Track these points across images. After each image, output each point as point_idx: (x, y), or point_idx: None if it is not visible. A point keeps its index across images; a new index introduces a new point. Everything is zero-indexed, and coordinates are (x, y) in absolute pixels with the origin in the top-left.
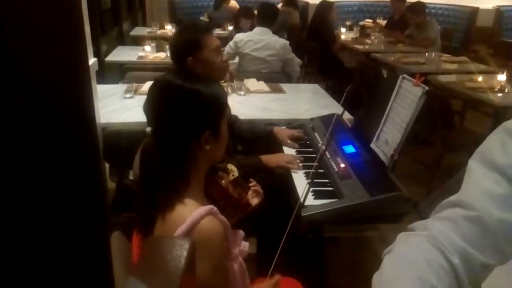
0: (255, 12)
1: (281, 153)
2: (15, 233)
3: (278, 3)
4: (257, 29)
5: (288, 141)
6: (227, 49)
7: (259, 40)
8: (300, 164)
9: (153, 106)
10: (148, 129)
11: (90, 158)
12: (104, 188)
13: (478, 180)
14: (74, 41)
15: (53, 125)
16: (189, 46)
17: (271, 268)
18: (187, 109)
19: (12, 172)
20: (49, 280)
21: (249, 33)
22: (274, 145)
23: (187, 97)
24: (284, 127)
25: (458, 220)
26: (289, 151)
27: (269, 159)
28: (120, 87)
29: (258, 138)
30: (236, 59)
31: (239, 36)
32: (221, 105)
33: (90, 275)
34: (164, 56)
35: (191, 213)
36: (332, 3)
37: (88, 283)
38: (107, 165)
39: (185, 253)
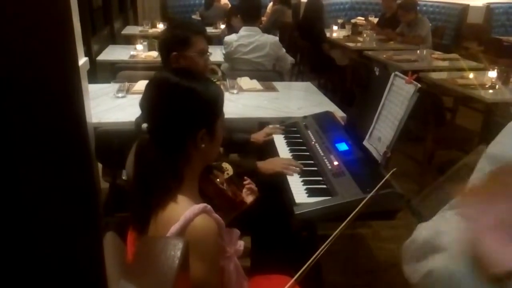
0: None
1: (277, 158)
2: (5, 235)
3: (270, 1)
4: (244, 30)
5: (265, 138)
6: (223, 56)
7: (248, 43)
8: (297, 168)
9: (149, 103)
10: (144, 125)
11: (82, 158)
12: (97, 188)
13: None
14: (63, 40)
15: (43, 125)
16: (177, 42)
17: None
18: (183, 107)
19: (1, 173)
20: (41, 282)
21: (237, 35)
22: (266, 148)
23: (184, 95)
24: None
25: None
26: (284, 151)
27: (265, 165)
28: (112, 87)
29: (236, 146)
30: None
31: (227, 41)
32: (217, 104)
33: (83, 276)
34: (156, 55)
35: (184, 211)
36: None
37: (80, 284)
38: (100, 165)
39: (179, 253)
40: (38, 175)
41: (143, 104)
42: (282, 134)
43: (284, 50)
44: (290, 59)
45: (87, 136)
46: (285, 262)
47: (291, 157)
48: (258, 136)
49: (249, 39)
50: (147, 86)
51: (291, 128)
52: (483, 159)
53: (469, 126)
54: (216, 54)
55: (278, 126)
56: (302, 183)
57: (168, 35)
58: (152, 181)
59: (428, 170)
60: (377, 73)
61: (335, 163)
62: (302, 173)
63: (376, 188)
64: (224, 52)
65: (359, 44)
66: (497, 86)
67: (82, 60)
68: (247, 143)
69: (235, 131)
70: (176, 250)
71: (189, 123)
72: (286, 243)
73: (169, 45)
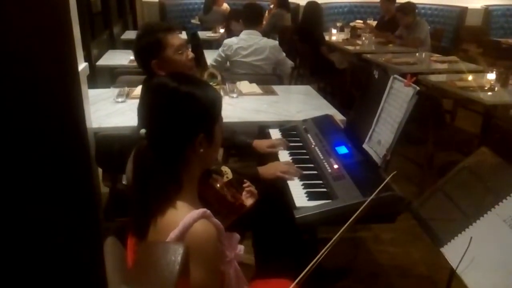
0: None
1: (276, 162)
2: (6, 240)
3: (269, 5)
4: (245, 33)
5: (268, 150)
6: (216, 56)
7: (248, 46)
8: (297, 173)
9: (148, 108)
10: (143, 131)
11: (82, 163)
12: (97, 193)
13: None
14: (62, 46)
15: (43, 131)
16: (151, 48)
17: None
18: (181, 112)
19: (1, 178)
20: (42, 287)
21: (237, 38)
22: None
23: (182, 100)
24: (278, 132)
25: None
26: (283, 155)
27: (266, 170)
28: (112, 92)
29: (238, 148)
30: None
31: (227, 43)
32: (215, 109)
33: (84, 281)
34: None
35: (183, 216)
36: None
37: None
38: (100, 170)
39: (179, 258)
40: (38, 180)
41: (141, 110)
42: (288, 150)
43: (284, 54)
44: (290, 63)
45: (87, 141)
46: (286, 265)
47: (290, 161)
48: (261, 144)
49: (249, 42)
50: (145, 92)
51: (291, 132)
52: None
53: (469, 128)
54: None
55: (285, 140)
56: (302, 186)
57: (140, 45)
58: (151, 187)
59: (428, 173)
60: (376, 76)
61: (335, 166)
62: (302, 177)
63: (376, 191)
64: (222, 54)
65: (358, 47)
66: (496, 88)
67: (82, 66)
68: (248, 148)
69: (237, 132)
70: (176, 255)
71: (188, 128)
72: (287, 246)
73: (144, 55)
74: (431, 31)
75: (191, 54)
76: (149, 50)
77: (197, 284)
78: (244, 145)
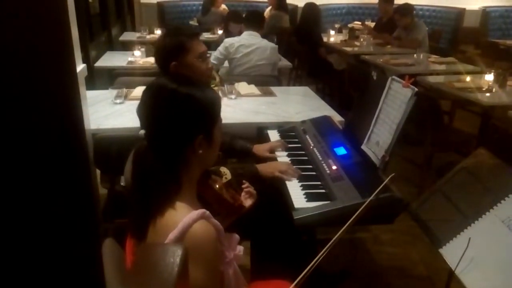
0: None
1: (275, 162)
2: (4, 241)
3: (267, 7)
4: (246, 33)
5: (268, 154)
6: (217, 54)
7: (250, 45)
8: (295, 174)
9: (147, 109)
10: (142, 132)
11: (80, 164)
12: (95, 195)
13: None
14: (61, 48)
15: (42, 132)
16: (174, 50)
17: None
18: (180, 113)
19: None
20: None
21: (239, 37)
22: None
23: (181, 101)
24: (279, 136)
25: None
26: (282, 156)
27: (265, 168)
28: (110, 93)
29: (237, 154)
30: (226, 63)
31: (229, 41)
32: (215, 110)
33: (82, 283)
34: (154, 61)
35: (182, 217)
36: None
37: None
38: (98, 172)
39: (178, 260)
40: (37, 182)
41: (141, 111)
42: (286, 151)
43: (280, 57)
44: (287, 65)
45: (85, 143)
46: (285, 267)
47: (289, 162)
48: (261, 149)
49: (251, 41)
50: (144, 93)
51: (289, 133)
52: None
53: (467, 129)
54: None
55: (283, 141)
56: (301, 187)
57: (162, 45)
58: (150, 188)
59: (426, 174)
60: (374, 77)
61: (334, 167)
62: (301, 178)
63: (375, 192)
64: (224, 52)
65: (356, 49)
66: (494, 89)
67: (80, 67)
68: (247, 153)
69: (236, 137)
70: (175, 257)
71: (187, 129)
72: (286, 248)
73: (165, 55)
74: (429, 32)
75: (211, 63)
76: (171, 50)
77: (197, 285)
78: (244, 151)
